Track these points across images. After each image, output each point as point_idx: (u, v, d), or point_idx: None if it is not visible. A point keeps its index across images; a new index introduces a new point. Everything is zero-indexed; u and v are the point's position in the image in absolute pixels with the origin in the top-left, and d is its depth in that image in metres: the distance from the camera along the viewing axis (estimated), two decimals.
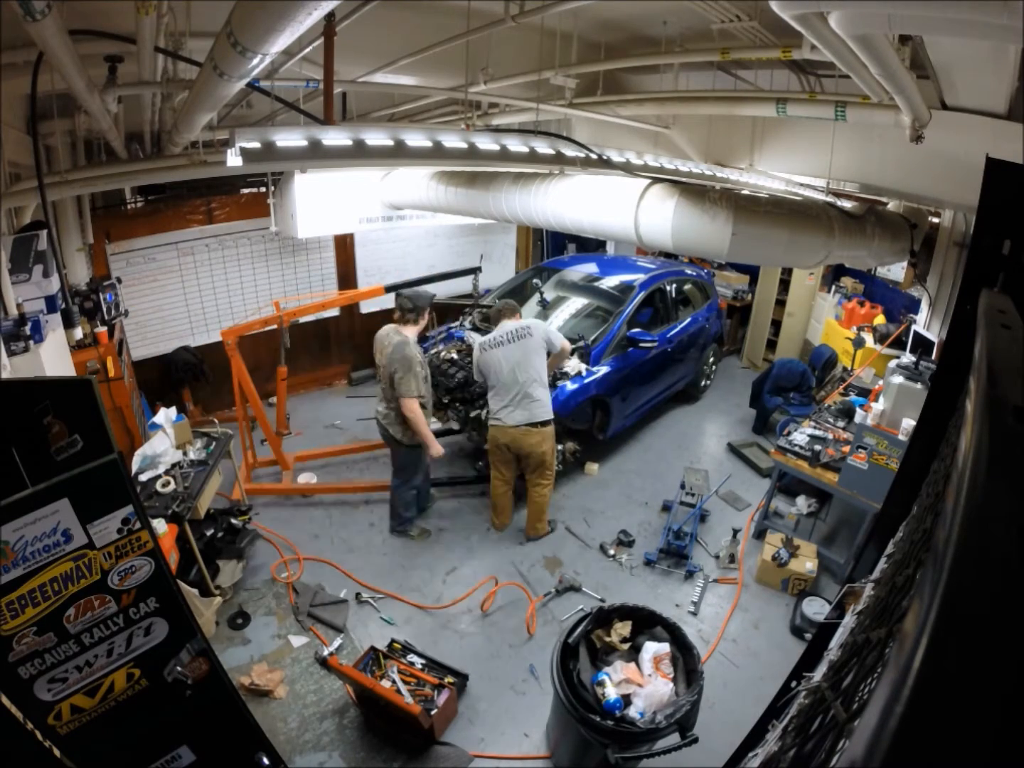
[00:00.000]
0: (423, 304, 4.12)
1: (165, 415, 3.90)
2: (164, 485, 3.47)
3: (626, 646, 2.70)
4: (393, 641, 3.36)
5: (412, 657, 3.24)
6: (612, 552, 4.33)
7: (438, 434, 4.61)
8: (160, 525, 3.12)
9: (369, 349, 4.32)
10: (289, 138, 2.70)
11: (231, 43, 1.57)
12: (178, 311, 5.72)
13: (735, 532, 4.29)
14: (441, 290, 7.56)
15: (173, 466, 3.68)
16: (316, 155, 2.80)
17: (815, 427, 4.49)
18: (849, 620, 1.44)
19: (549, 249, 9.04)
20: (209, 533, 3.78)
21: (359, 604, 3.83)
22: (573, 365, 4.80)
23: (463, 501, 4.88)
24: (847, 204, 4.31)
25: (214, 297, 5.89)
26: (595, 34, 3.89)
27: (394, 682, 2.99)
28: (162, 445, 3.67)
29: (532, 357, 4.07)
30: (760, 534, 4.43)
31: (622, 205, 3.39)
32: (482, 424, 4.54)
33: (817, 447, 4.19)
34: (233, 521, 3.97)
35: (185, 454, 3.82)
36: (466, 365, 4.87)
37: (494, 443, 4.24)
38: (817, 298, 7.21)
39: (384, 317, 6.87)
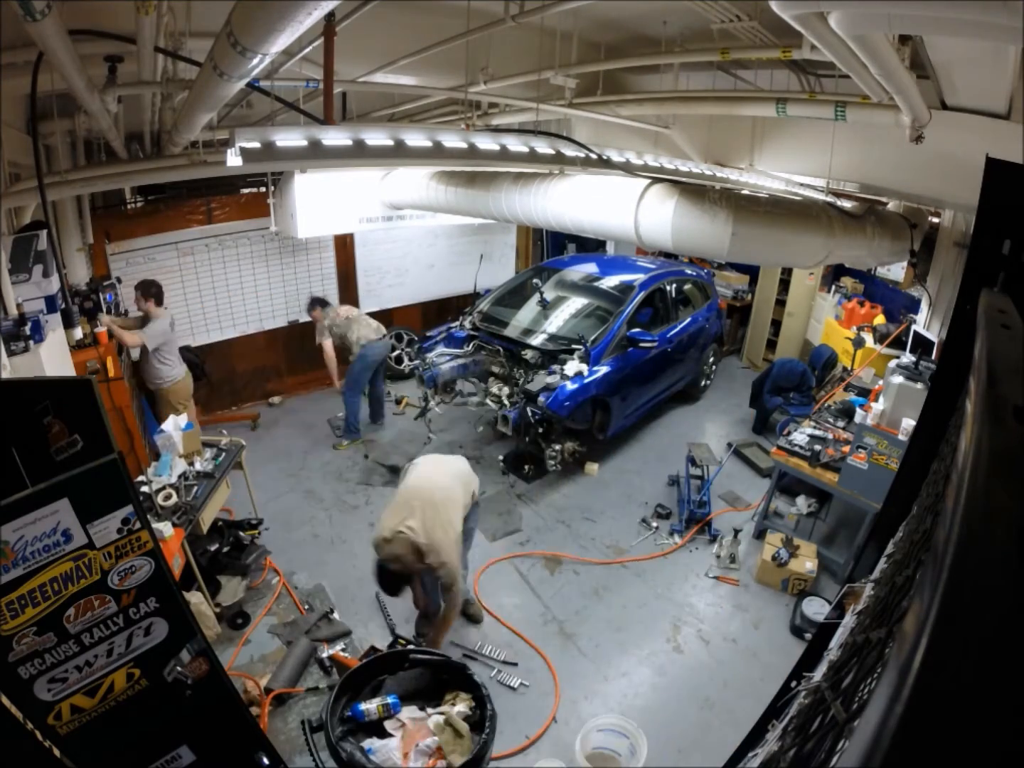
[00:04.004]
0: None
1: (174, 422, 3.72)
2: (166, 498, 3.34)
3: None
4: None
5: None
6: (655, 524, 4.63)
7: None
8: (167, 528, 3.08)
9: None
10: (289, 138, 2.70)
11: (231, 43, 1.57)
12: (178, 311, 5.70)
13: (735, 532, 4.29)
14: (441, 288, 7.56)
15: (178, 477, 3.51)
16: (316, 155, 2.80)
17: (815, 427, 4.49)
18: (849, 620, 1.44)
19: (549, 249, 9.03)
20: (213, 548, 3.63)
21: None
22: (573, 366, 4.80)
23: None
24: (847, 204, 4.31)
25: (214, 297, 5.88)
26: (595, 34, 3.89)
27: None
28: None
29: None
30: (760, 534, 4.43)
31: (622, 205, 3.39)
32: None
33: (817, 447, 4.19)
34: (241, 534, 3.81)
35: (191, 464, 3.64)
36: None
37: None
38: (817, 298, 7.21)
39: (381, 316, 6.93)
